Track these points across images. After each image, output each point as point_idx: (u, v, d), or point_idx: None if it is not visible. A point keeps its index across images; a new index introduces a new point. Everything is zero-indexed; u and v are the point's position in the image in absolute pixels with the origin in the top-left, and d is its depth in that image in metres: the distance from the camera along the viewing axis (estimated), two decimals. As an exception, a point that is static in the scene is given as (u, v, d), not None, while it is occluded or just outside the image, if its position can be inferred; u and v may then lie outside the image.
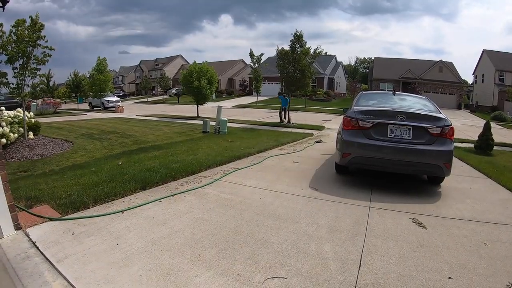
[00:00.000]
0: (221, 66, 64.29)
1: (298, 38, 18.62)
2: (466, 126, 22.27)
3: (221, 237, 3.99)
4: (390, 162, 6.15)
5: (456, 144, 13.17)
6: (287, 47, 19.06)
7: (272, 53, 69.48)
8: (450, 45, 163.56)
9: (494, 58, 47.67)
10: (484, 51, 51.49)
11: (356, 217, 4.84)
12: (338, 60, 65.84)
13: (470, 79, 65.88)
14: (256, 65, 37.60)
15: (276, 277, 3.17)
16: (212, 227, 4.26)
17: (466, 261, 3.78)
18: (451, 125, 6.25)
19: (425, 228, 4.63)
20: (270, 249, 3.73)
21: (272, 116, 22.42)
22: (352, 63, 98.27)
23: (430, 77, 49.43)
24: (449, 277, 3.43)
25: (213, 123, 14.99)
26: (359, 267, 3.47)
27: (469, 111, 44.56)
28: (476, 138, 12.67)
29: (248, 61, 46.29)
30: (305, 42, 18.73)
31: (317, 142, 12.24)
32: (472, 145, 12.85)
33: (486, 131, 12.37)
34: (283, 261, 3.49)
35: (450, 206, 5.65)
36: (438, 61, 51.46)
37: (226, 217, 4.61)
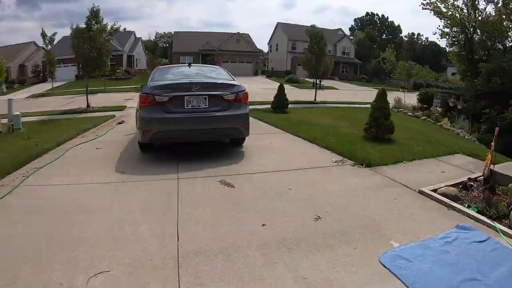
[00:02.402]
0: (9, 51, 54.13)
1: (94, 14, 16.96)
2: (264, 89, 24.64)
3: (33, 249, 3.52)
4: (191, 132, 6.47)
5: (255, 106, 14.78)
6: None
7: (66, 32, 62.00)
8: (236, 20, 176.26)
9: (287, 30, 55.57)
10: (278, 24, 59.81)
11: (167, 192, 4.94)
12: (138, 35, 63.55)
13: (265, 49, 72.61)
14: (49, 46, 33.13)
15: (99, 273, 3.04)
16: (21, 241, 3.70)
17: (275, 207, 4.39)
18: (244, 90, 6.92)
19: (233, 187, 5.12)
20: (86, 246, 3.51)
21: (71, 102, 20.35)
22: (152, 38, 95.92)
23: (228, 48, 52.97)
24: (263, 225, 3.91)
25: (5, 120, 12.89)
26: (178, 239, 3.61)
27: (265, 76, 49.79)
28: (273, 99, 14.19)
29: (40, 43, 40.29)
30: (102, 19, 17.26)
31: (119, 123, 11.72)
32: (269, 106, 14.40)
33: (281, 93, 14.07)
34: (102, 254, 3.35)
35: (254, 163, 6.44)
36: (235, 33, 55.44)
37: (35, 226, 4.09)
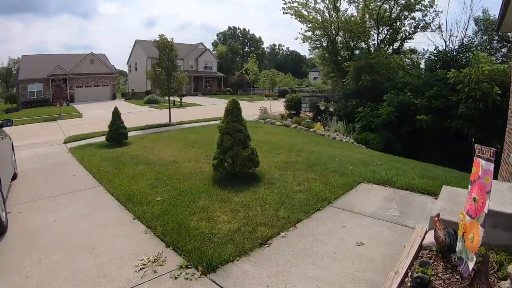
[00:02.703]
0: None
1: None
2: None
3: None
4: None
5: (91, 140, 11.33)
6: None
7: None
8: (97, 40, 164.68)
9: (145, 47, 49.58)
10: (136, 42, 53.42)
11: None
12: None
13: (126, 69, 67.13)
14: None
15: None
16: None
17: None
18: None
19: None
20: None
21: None
22: (6, 64, 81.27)
23: (81, 71, 46.25)
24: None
25: None
26: None
27: (124, 99, 44.65)
28: (107, 129, 10.68)
29: None
30: None
31: None
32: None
33: (116, 120, 10.59)
34: None
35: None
36: (89, 54, 48.72)
37: None
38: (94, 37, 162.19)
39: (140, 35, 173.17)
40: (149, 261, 3.33)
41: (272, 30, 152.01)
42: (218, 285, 2.96)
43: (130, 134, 11.28)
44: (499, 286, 2.58)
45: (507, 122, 6.81)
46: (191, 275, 3.11)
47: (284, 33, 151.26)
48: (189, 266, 3.24)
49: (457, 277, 2.77)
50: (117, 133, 10.44)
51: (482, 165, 2.65)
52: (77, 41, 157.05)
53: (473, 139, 3.42)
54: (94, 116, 22.07)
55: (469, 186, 2.84)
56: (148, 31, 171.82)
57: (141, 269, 3.21)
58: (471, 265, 2.56)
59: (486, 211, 2.47)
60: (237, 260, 3.34)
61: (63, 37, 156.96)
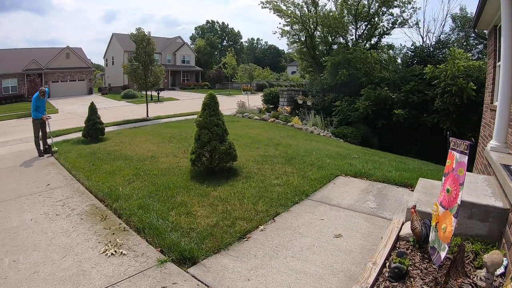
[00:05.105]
0: None
1: None
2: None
3: None
4: None
5: (66, 136, 11.08)
6: None
7: None
8: (62, 34, 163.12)
9: (122, 40, 48.55)
10: (114, 35, 52.17)
11: None
12: None
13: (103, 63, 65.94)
14: None
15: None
16: None
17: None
18: None
19: None
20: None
21: None
22: None
23: (57, 66, 45.10)
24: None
25: None
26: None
27: (101, 94, 43.72)
28: (84, 125, 10.44)
29: None
30: None
31: None
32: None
33: (92, 115, 10.36)
34: None
35: None
36: (64, 48, 47.50)
37: None
38: (59, 32, 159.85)
39: (101, 28, 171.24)
40: (128, 257, 3.26)
41: (249, 24, 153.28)
42: (198, 280, 2.92)
43: (107, 129, 11.11)
44: (475, 274, 2.62)
45: (482, 116, 6.98)
46: (171, 270, 3.06)
47: (260, 28, 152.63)
48: (169, 261, 3.19)
49: (434, 266, 2.82)
50: (93, 128, 10.23)
51: (456, 158, 2.68)
52: (41, 35, 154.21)
53: (448, 132, 3.48)
54: (70, 111, 21.62)
55: (443, 178, 2.87)
56: (107, 25, 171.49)
57: (120, 265, 3.14)
58: (443, 254, 2.58)
59: (459, 202, 2.50)
60: (217, 254, 3.31)
61: (24, 32, 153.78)
